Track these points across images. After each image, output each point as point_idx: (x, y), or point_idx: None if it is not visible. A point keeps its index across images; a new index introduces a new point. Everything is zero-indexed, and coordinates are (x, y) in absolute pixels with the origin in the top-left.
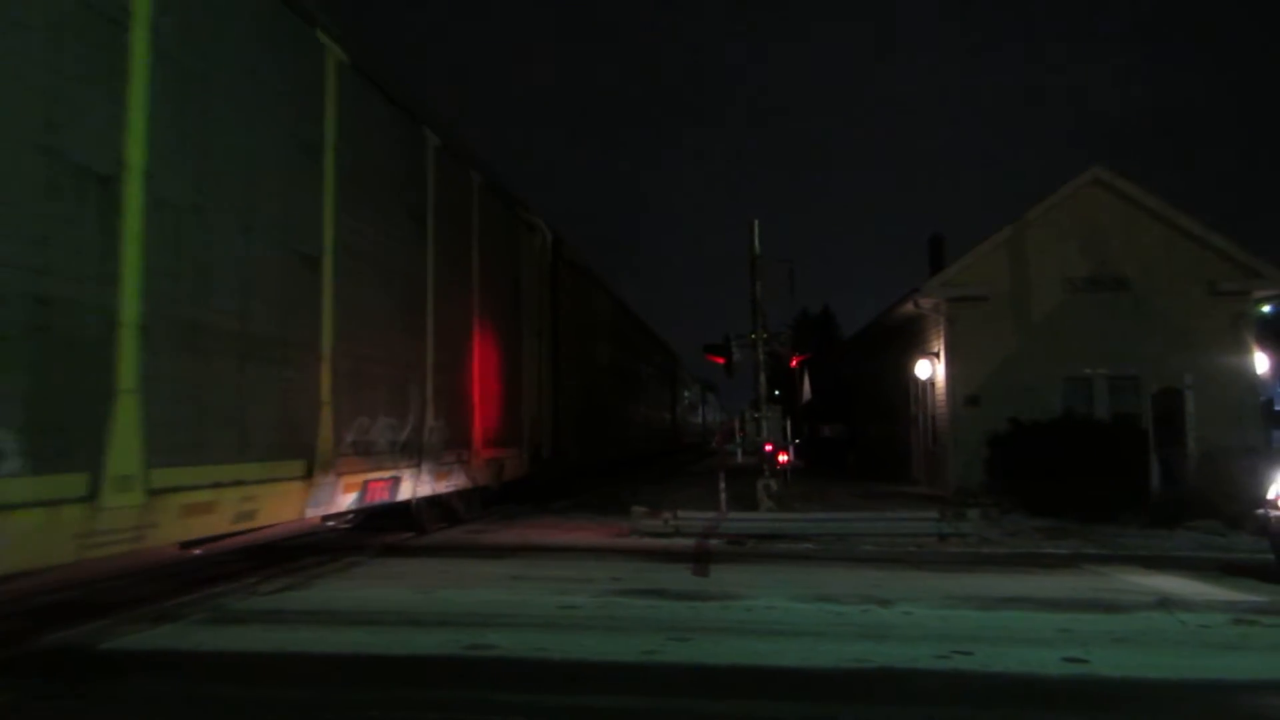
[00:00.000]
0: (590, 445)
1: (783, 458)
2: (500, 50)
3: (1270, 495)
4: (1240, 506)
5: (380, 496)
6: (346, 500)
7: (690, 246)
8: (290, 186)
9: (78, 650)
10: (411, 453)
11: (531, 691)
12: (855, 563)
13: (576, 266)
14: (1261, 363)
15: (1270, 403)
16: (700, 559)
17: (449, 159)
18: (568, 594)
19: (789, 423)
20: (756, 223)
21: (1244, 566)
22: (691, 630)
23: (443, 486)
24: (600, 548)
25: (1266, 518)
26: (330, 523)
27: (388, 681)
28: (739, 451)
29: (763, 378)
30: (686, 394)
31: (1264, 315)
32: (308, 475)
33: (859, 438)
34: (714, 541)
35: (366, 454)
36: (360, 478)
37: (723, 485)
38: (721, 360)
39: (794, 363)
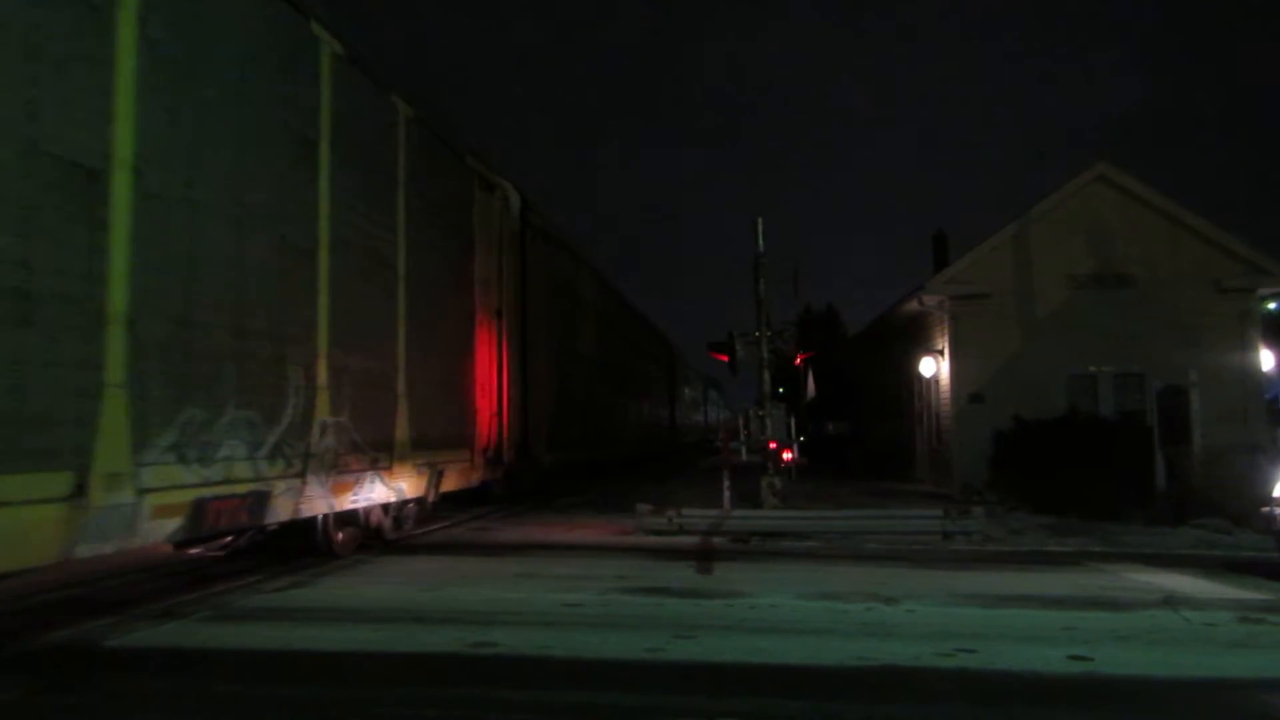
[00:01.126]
0: (569, 446)
1: (787, 455)
2: (501, 50)
3: (1275, 493)
4: (1245, 504)
5: (233, 520)
6: (161, 529)
7: (695, 245)
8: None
9: (83, 648)
10: (291, 458)
11: (535, 689)
12: (859, 560)
13: (552, 238)
14: (1267, 360)
15: (1276, 400)
16: (704, 557)
17: (355, 74)
18: (572, 591)
19: (793, 420)
20: (761, 221)
21: (1249, 564)
22: (696, 628)
23: (347, 501)
24: (604, 545)
25: (1272, 515)
26: (193, 550)
27: (392, 679)
28: (743, 449)
29: (767, 375)
30: (688, 390)
31: (1269, 312)
32: (76, 495)
33: (863, 435)
34: (718, 539)
35: (201, 461)
36: (186, 496)
37: (727, 483)
38: (725, 358)
39: (798, 360)
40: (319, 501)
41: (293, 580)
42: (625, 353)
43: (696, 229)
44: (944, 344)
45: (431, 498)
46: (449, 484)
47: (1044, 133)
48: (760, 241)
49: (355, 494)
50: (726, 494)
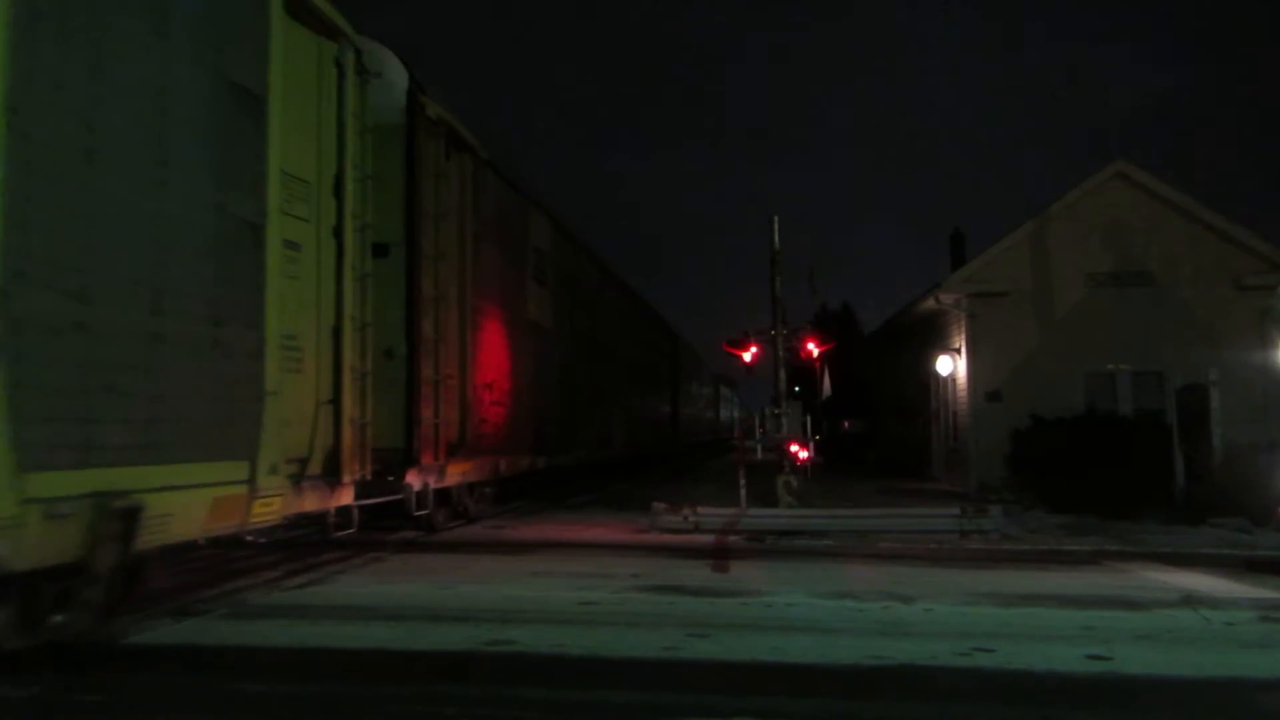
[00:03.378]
0: (507, 448)
1: (803, 454)
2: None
3: None
4: (1266, 503)
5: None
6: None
7: (710, 243)
8: None
9: (101, 644)
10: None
11: (551, 687)
12: (876, 559)
13: (464, 147)
14: None
15: None
16: (720, 555)
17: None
18: (587, 590)
19: (809, 419)
20: (776, 219)
21: (1269, 563)
22: (711, 626)
23: None
24: (619, 544)
25: None
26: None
27: (408, 677)
28: (759, 448)
29: (782, 374)
30: (695, 385)
31: None
32: None
33: (879, 434)
34: (734, 538)
35: (105, 462)
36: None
37: (742, 481)
38: (741, 355)
39: (814, 353)
40: None
41: (310, 578)
42: (601, 327)
43: (711, 227)
44: (961, 342)
45: (101, 571)
46: (182, 529)
47: (1060, 128)
48: (776, 239)
49: None
50: (742, 492)
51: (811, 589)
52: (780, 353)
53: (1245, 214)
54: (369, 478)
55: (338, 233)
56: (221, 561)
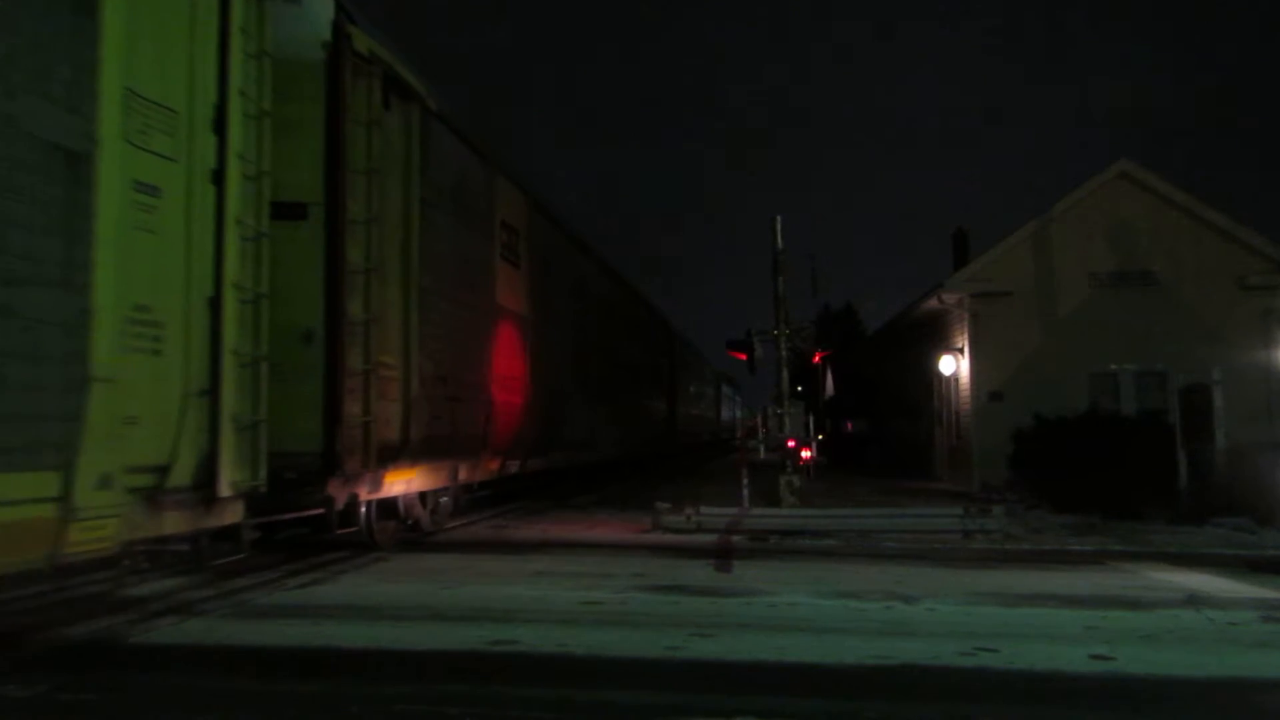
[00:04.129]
0: (454, 450)
1: (805, 454)
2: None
3: None
4: (1269, 503)
5: None
6: None
7: (713, 243)
8: None
9: (107, 644)
10: None
11: (554, 686)
12: (878, 559)
13: (409, 94)
14: None
15: None
16: (723, 555)
17: None
18: (591, 589)
19: (811, 419)
20: (779, 219)
21: (1273, 563)
22: (714, 626)
23: None
24: (623, 543)
25: None
26: None
27: (412, 676)
28: (761, 448)
29: (785, 373)
30: (694, 384)
31: None
32: None
33: (882, 434)
34: (736, 537)
35: None
36: None
37: (745, 481)
38: (744, 356)
39: (816, 358)
40: None
41: (313, 577)
42: (589, 320)
43: (715, 228)
44: (964, 342)
45: None
46: None
47: (1061, 129)
48: (779, 240)
49: None
50: (745, 492)
51: (814, 589)
52: (783, 352)
53: (1249, 214)
54: (265, 489)
55: (218, 178)
56: (223, 559)
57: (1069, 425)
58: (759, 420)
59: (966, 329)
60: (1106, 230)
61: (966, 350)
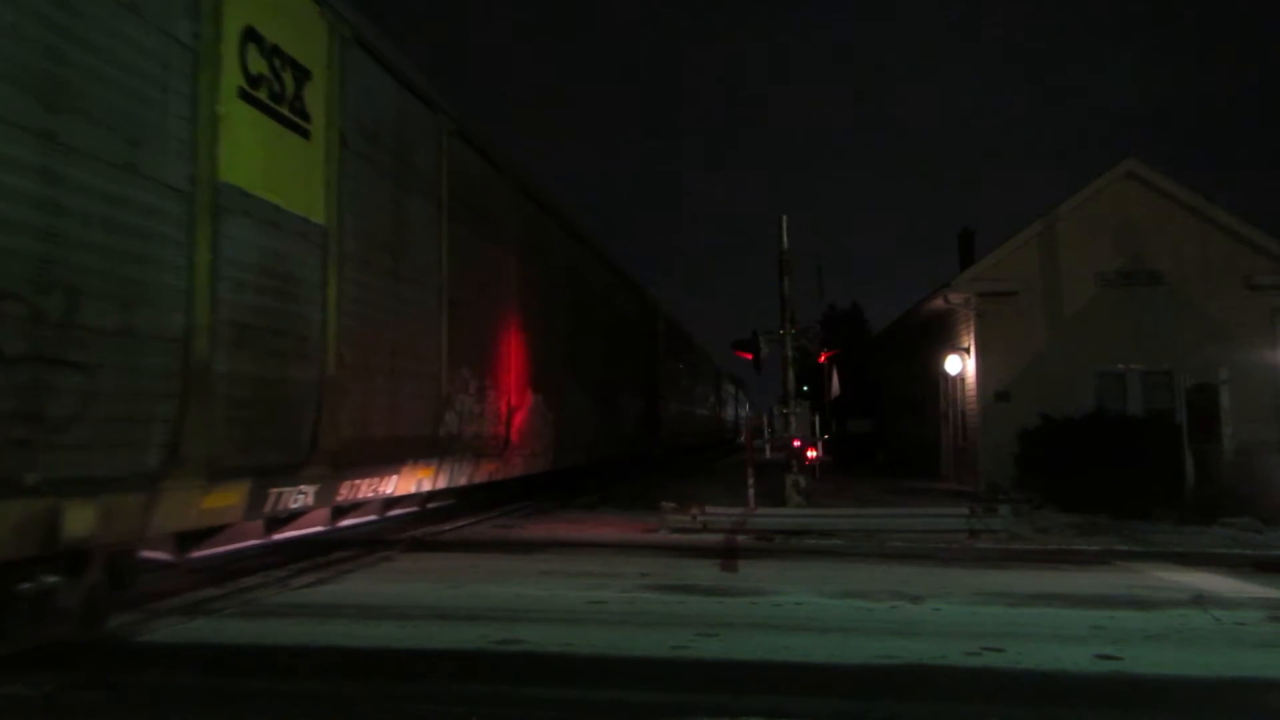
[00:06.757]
0: (380, 457)
1: (811, 453)
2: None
3: None
4: (1276, 502)
5: None
6: None
7: (718, 244)
8: None
9: (114, 643)
10: None
11: (560, 686)
12: (884, 559)
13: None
14: None
15: None
16: (728, 554)
17: None
18: (596, 589)
19: (817, 418)
20: (785, 219)
21: None
22: (720, 626)
23: None
24: (628, 543)
25: None
26: None
27: (418, 675)
28: (767, 447)
29: (791, 373)
30: (685, 377)
31: None
32: None
33: (888, 433)
34: (742, 537)
35: None
36: None
37: (751, 481)
38: (750, 356)
39: (822, 358)
40: None
41: (320, 577)
42: (545, 295)
43: (716, 226)
44: (970, 341)
45: None
46: None
47: (1068, 131)
48: (784, 239)
49: None
50: (751, 492)
51: (820, 588)
52: (789, 352)
53: (1256, 213)
54: None
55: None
56: (229, 559)
57: (1075, 425)
58: (764, 420)
59: (973, 329)
60: (1113, 229)
61: (973, 350)
